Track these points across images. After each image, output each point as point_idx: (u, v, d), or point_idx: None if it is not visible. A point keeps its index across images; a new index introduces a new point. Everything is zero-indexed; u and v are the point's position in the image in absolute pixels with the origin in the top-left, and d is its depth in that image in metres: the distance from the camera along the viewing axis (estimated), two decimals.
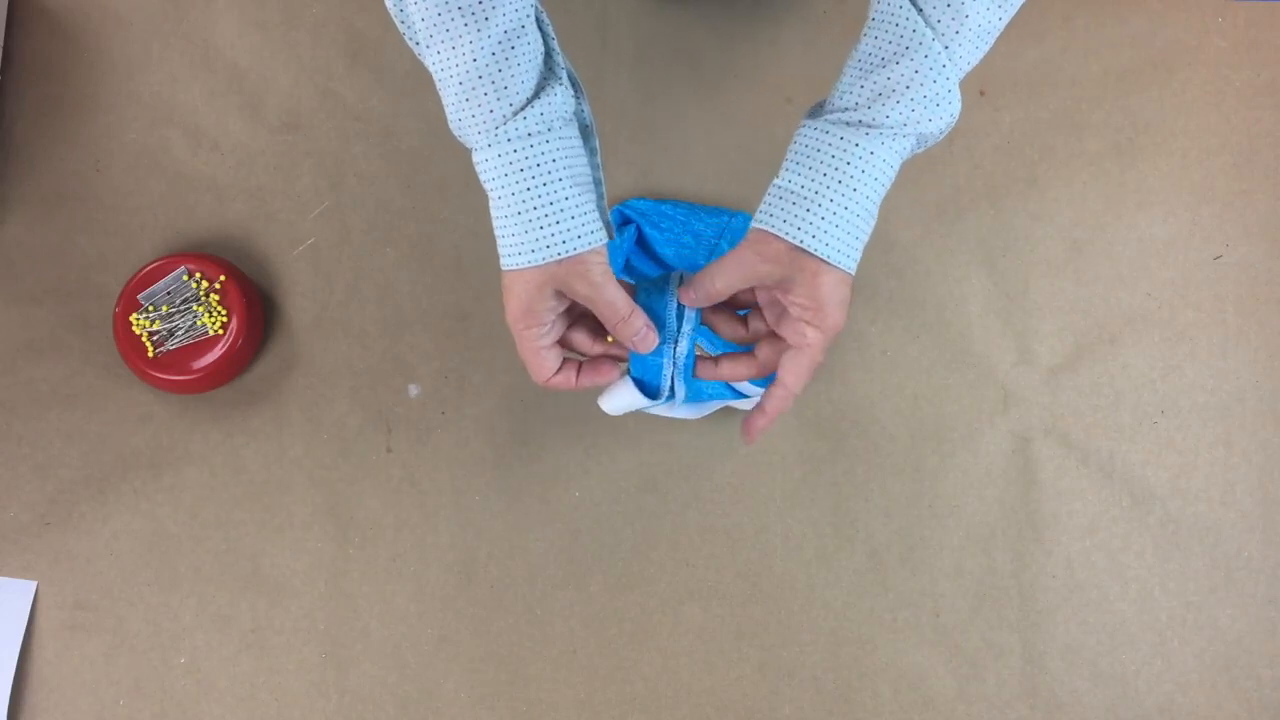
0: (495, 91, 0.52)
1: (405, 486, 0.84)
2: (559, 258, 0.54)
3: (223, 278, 0.83)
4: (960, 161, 0.88)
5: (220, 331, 0.83)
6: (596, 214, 0.55)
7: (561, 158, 0.54)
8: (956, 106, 0.54)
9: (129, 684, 0.82)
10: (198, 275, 0.84)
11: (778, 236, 0.53)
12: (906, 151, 0.54)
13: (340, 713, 0.81)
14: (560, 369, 0.59)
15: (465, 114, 0.53)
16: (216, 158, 0.90)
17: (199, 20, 0.92)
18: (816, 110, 0.56)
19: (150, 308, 0.84)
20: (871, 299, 0.86)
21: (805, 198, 0.53)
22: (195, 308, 0.83)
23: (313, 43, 0.92)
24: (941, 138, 0.56)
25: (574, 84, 0.57)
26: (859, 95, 0.54)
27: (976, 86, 0.89)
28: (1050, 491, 0.83)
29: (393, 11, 0.54)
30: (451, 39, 0.52)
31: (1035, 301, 0.86)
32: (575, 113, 0.58)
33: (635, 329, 0.57)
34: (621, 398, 0.60)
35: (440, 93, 0.54)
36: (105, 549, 0.84)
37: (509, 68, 0.53)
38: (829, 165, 0.53)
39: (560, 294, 0.56)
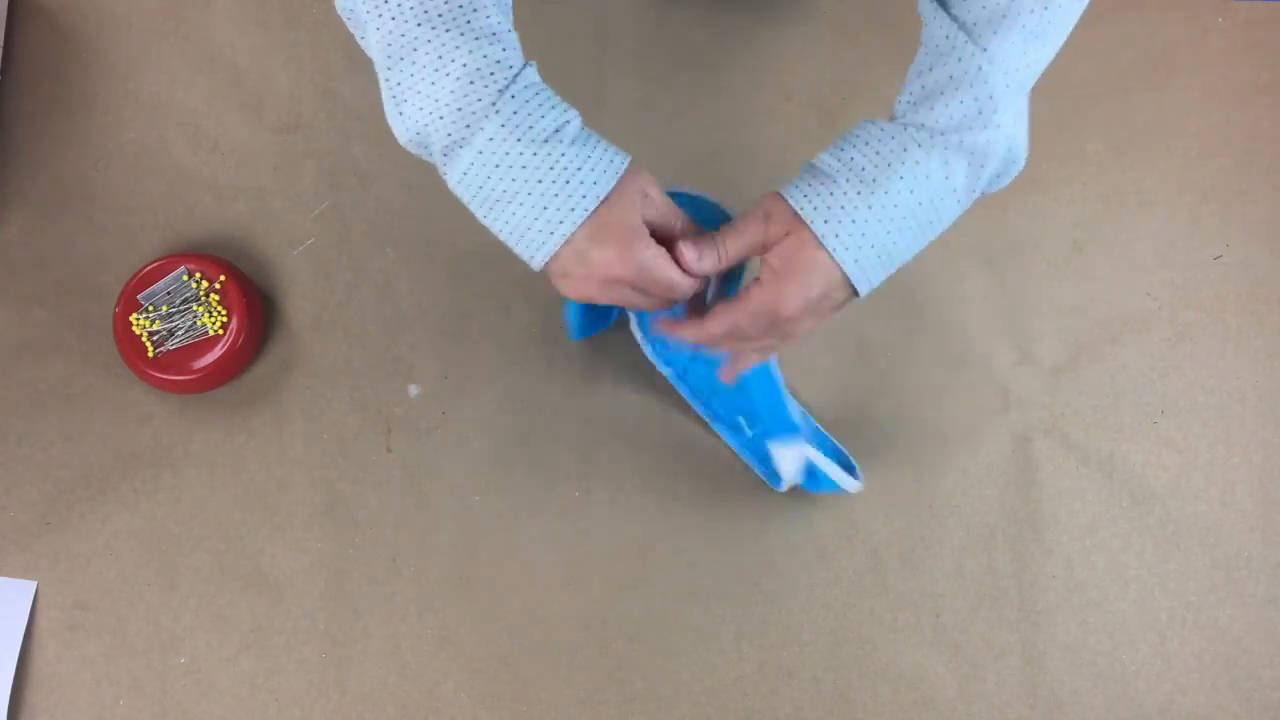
0: (510, 48, 0.51)
1: (405, 486, 0.84)
2: (628, 159, 0.51)
3: (223, 278, 0.83)
4: None
5: (220, 331, 0.83)
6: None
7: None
8: (1008, 122, 0.51)
9: (129, 684, 0.82)
10: (198, 275, 0.84)
11: (784, 199, 0.52)
12: (957, 172, 0.50)
13: (340, 713, 0.81)
14: (697, 252, 0.53)
15: (470, 95, 0.50)
16: (216, 158, 0.90)
17: (199, 20, 0.92)
18: None
19: (150, 308, 0.84)
20: (872, 299, 0.85)
21: (825, 174, 0.52)
22: (195, 308, 0.83)
23: (313, 43, 0.92)
24: (1010, 173, 0.53)
25: None
26: (901, 107, 0.53)
27: None
28: (1050, 491, 0.83)
29: (359, 10, 0.52)
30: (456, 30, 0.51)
31: (1035, 301, 0.86)
32: None
33: (693, 251, 0.54)
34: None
35: (429, 89, 0.51)
36: (105, 549, 0.84)
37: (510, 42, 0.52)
38: (859, 151, 0.51)
39: (645, 197, 0.52)
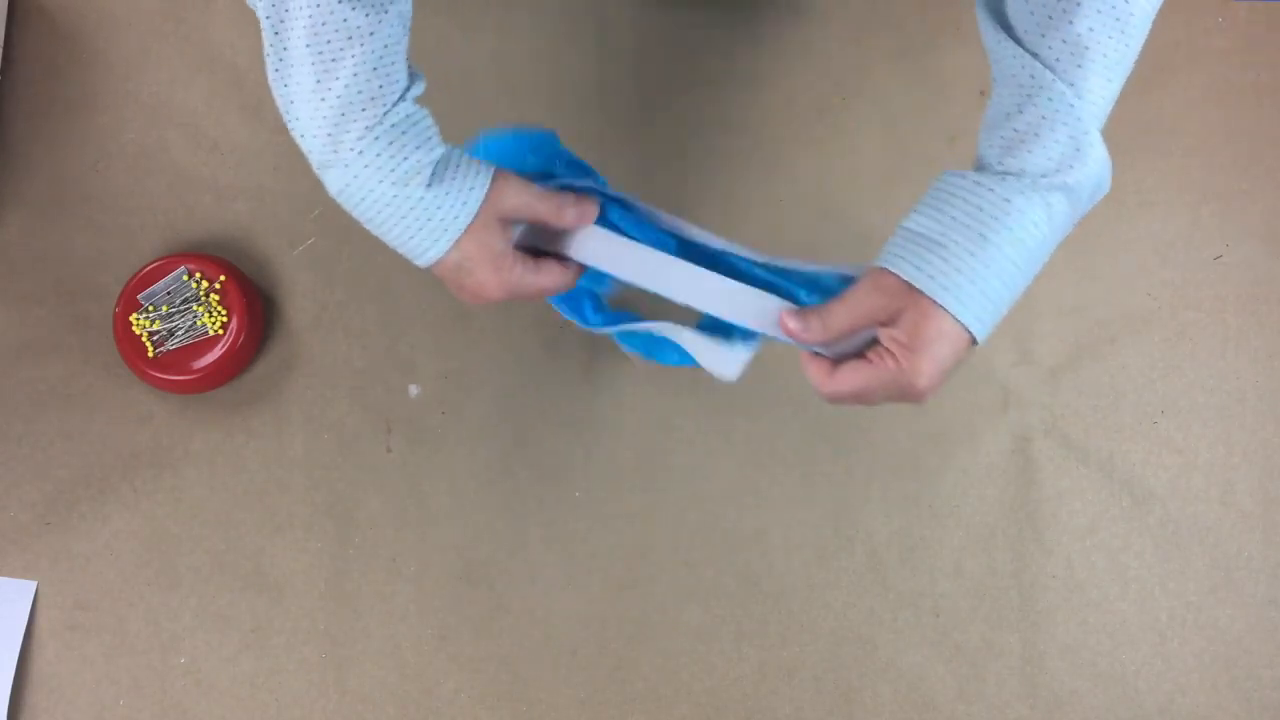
0: (390, 82, 0.53)
1: (405, 486, 0.84)
2: (486, 185, 0.54)
3: (223, 278, 0.83)
4: (960, 161, 0.87)
5: (220, 331, 0.83)
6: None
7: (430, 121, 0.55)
8: (1100, 154, 0.50)
9: (129, 684, 0.82)
10: (198, 275, 0.84)
11: (894, 274, 0.51)
12: (1058, 211, 0.50)
13: (340, 713, 0.81)
14: (559, 265, 0.59)
15: (341, 126, 0.52)
16: (216, 158, 0.90)
17: (199, 20, 0.92)
18: None
19: (150, 308, 0.84)
20: None
21: (930, 239, 0.50)
22: (195, 308, 0.83)
23: None
24: (1097, 198, 0.52)
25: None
26: (993, 152, 0.51)
27: (977, 87, 0.89)
28: (1050, 491, 0.83)
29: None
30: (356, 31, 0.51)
31: (1035, 301, 0.86)
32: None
33: (572, 213, 0.58)
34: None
35: (308, 108, 0.52)
36: (105, 549, 0.84)
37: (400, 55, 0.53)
38: (958, 209, 0.50)
39: (503, 221, 0.56)
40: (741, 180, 0.88)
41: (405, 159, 0.52)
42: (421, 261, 0.56)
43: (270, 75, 0.53)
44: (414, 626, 0.82)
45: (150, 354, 0.83)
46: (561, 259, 0.60)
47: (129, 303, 0.83)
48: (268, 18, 0.51)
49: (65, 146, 0.90)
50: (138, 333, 0.83)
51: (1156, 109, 0.88)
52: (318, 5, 0.50)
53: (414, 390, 0.86)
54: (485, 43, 0.90)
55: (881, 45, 0.90)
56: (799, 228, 0.87)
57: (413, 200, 0.53)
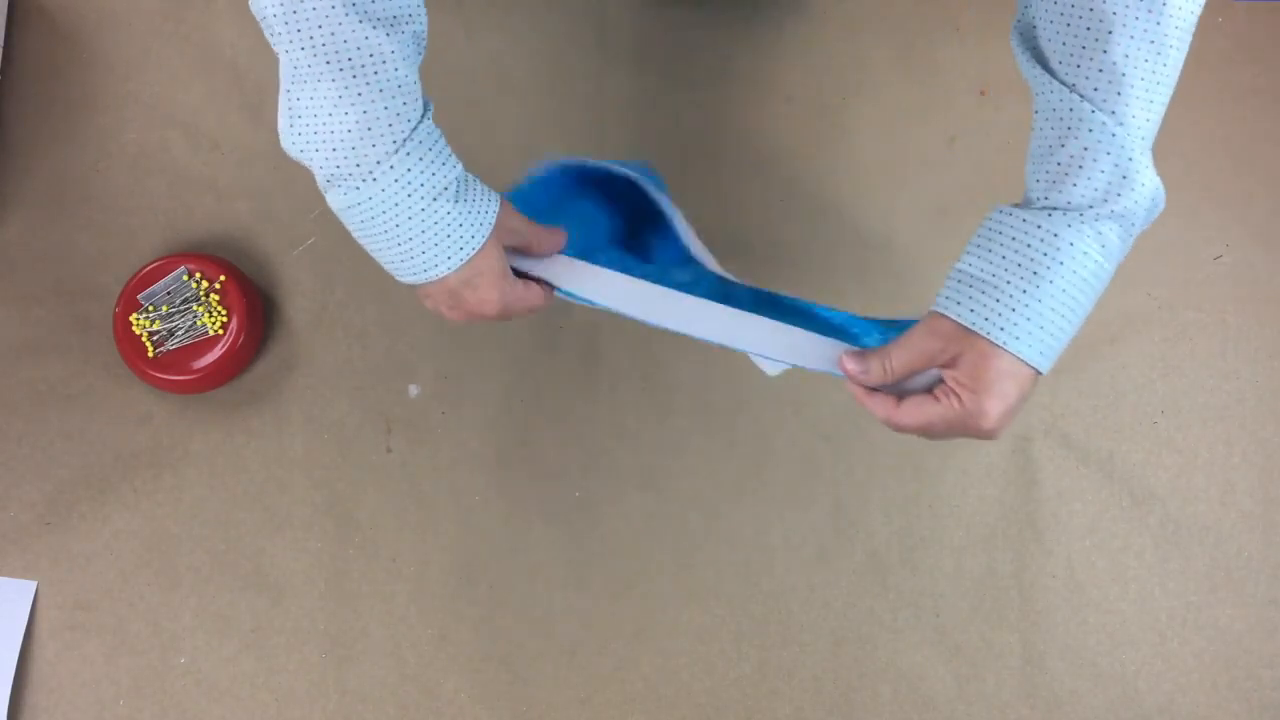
0: (412, 100, 0.52)
1: (405, 486, 0.84)
2: (498, 205, 0.56)
3: (223, 278, 0.83)
4: (960, 161, 0.88)
5: (220, 331, 0.83)
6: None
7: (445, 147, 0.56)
8: (1150, 177, 0.50)
9: (129, 684, 0.82)
10: (198, 275, 0.84)
11: (949, 318, 0.51)
12: (1111, 238, 0.50)
13: (340, 713, 0.81)
14: (540, 286, 0.61)
15: (365, 143, 0.51)
16: (216, 158, 0.90)
17: (199, 20, 0.92)
18: None
19: (150, 308, 0.84)
20: (871, 301, 0.86)
21: (984, 281, 0.51)
22: (195, 308, 0.83)
23: None
24: (1154, 216, 0.52)
25: None
26: (1039, 187, 0.52)
27: (977, 87, 0.89)
28: (1050, 491, 0.83)
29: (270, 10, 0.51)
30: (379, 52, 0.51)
31: None
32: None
33: (552, 241, 0.60)
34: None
35: (327, 120, 0.51)
36: (105, 549, 0.84)
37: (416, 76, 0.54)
38: (1010, 249, 0.50)
39: (501, 242, 0.58)
40: (741, 180, 0.88)
41: (434, 174, 0.53)
42: (429, 275, 0.55)
43: (286, 86, 0.53)
44: (414, 626, 0.82)
45: (150, 354, 0.83)
46: (540, 283, 0.62)
47: (129, 303, 0.83)
48: (281, 33, 0.51)
49: (65, 146, 0.90)
50: (138, 333, 0.83)
51: None
52: (339, 23, 0.50)
53: (414, 390, 0.86)
54: (486, 43, 0.90)
55: (881, 45, 0.90)
56: (799, 228, 0.87)
57: (439, 214, 0.53)
